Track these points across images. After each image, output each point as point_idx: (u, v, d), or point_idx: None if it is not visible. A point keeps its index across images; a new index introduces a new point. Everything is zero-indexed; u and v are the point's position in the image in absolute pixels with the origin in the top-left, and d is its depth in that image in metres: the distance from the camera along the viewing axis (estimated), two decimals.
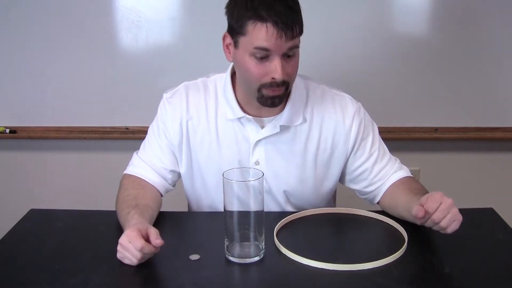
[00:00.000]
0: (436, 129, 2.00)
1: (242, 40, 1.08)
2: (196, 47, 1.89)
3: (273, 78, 1.07)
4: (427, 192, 1.13)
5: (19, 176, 2.13)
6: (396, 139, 1.96)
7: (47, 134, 2.02)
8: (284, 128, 1.20)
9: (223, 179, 0.96)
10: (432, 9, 1.89)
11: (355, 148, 1.24)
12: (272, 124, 1.20)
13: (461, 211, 1.23)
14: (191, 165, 1.26)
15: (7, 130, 2.01)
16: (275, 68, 1.06)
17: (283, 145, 1.22)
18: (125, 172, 1.28)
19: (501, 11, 1.85)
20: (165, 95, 1.26)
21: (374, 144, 1.25)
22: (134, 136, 1.98)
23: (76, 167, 2.12)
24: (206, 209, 1.31)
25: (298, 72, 1.16)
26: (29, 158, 2.10)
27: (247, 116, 1.19)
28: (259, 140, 1.21)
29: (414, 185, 1.21)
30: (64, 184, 2.13)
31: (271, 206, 1.26)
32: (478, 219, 1.19)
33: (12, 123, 2.02)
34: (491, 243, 1.07)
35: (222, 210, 0.98)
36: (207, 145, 1.23)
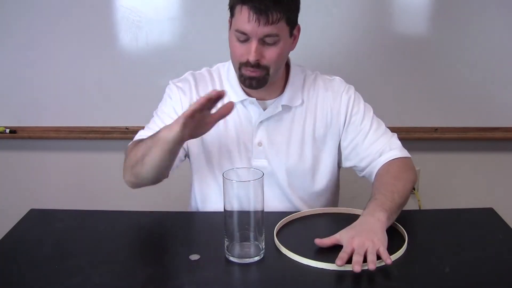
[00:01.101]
0: (436, 129, 2.00)
1: (232, 21, 1.17)
2: (196, 47, 1.89)
3: (247, 59, 1.14)
4: (392, 184, 1.16)
5: (19, 176, 2.13)
6: None
7: (47, 134, 2.02)
8: (285, 109, 1.26)
9: (223, 179, 0.96)
10: (432, 9, 1.89)
11: (346, 124, 1.29)
12: (274, 104, 1.26)
13: (461, 211, 1.24)
14: (199, 147, 1.29)
15: (7, 130, 2.01)
16: (249, 50, 1.13)
17: (283, 125, 1.27)
18: (132, 142, 1.27)
19: (501, 11, 1.85)
20: (171, 81, 1.32)
21: (364, 119, 1.29)
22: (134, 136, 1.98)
23: (76, 167, 2.12)
24: (213, 193, 1.32)
25: (296, 63, 1.24)
26: (29, 158, 2.10)
27: (250, 98, 1.25)
28: (261, 122, 1.26)
29: (385, 177, 1.21)
30: (64, 184, 2.13)
31: (274, 189, 1.29)
32: (478, 219, 1.19)
33: (12, 123, 2.02)
34: (491, 243, 1.07)
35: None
36: (214, 128, 1.25)
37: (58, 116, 2.00)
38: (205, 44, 1.86)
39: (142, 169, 1.14)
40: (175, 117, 1.24)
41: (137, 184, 1.21)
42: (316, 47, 1.89)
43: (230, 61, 1.26)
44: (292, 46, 1.22)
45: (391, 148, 1.26)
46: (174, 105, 1.28)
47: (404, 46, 1.90)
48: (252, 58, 1.13)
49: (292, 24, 1.17)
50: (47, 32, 1.90)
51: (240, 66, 1.17)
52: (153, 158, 1.11)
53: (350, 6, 1.87)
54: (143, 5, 1.87)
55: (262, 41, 1.13)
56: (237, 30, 1.13)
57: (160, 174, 1.17)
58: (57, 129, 2.02)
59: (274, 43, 1.14)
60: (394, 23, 1.91)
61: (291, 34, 1.18)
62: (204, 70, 1.33)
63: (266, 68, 1.16)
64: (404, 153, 1.27)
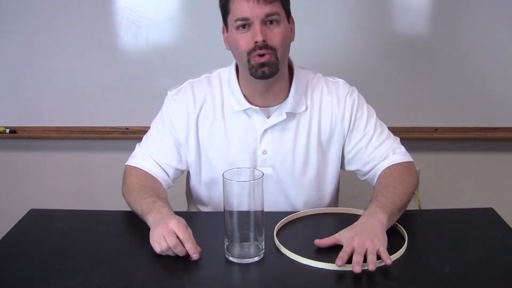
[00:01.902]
0: (436, 129, 2.00)
1: (228, 19, 1.17)
2: (196, 47, 1.89)
3: (255, 42, 1.12)
4: (394, 187, 1.16)
5: (19, 176, 2.13)
6: None
7: (47, 134, 2.02)
8: (289, 116, 1.24)
9: (223, 179, 0.96)
10: (433, 9, 1.89)
11: (350, 128, 1.27)
12: (278, 112, 1.24)
13: (461, 211, 1.24)
14: (199, 159, 1.28)
15: (7, 130, 2.01)
16: (255, 33, 1.12)
17: (288, 132, 1.25)
18: (129, 163, 1.29)
19: (501, 11, 1.85)
20: (170, 93, 1.29)
21: (368, 123, 1.28)
22: (134, 136, 1.98)
23: (76, 167, 2.12)
24: (214, 203, 1.32)
25: (298, 64, 1.24)
26: (29, 158, 2.10)
27: (253, 107, 1.23)
28: (266, 130, 1.24)
29: (388, 180, 1.21)
30: (64, 184, 2.13)
31: (279, 196, 1.28)
32: (478, 219, 1.19)
33: (12, 123, 2.02)
34: (491, 243, 1.07)
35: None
36: (216, 138, 1.26)
37: (58, 116, 2.01)
38: (205, 44, 1.86)
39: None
40: (170, 144, 1.27)
41: None
42: (316, 47, 1.89)
43: (232, 67, 1.26)
44: (291, 36, 1.22)
45: (395, 153, 1.26)
46: (170, 128, 1.27)
47: (404, 46, 1.90)
48: (259, 37, 1.11)
49: (287, 11, 1.18)
50: (47, 32, 1.90)
51: (249, 57, 1.14)
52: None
53: (351, 6, 1.87)
54: (143, 5, 1.87)
55: (264, 23, 1.13)
56: (237, 20, 1.13)
57: None
58: (57, 129, 2.02)
59: (276, 23, 1.14)
60: (395, 23, 1.91)
61: (288, 21, 1.19)
62: (203, 77, 1.29)
63: (274, 50, 1.14)
64: (407, 157, 1.27)
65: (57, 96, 1.98)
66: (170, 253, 0.99)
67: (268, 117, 1.24)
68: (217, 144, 1.26)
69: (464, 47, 1.90)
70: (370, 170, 1.28)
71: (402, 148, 1.29)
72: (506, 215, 1.18)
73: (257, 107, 1.22)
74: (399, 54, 1.91)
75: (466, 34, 1.88)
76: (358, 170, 1.31)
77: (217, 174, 1.27)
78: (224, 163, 1.24)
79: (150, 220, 1.07)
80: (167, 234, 0.98)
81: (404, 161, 1.26)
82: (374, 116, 1.29)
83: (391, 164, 1.25)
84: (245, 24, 1.13)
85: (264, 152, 1.25)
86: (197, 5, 1.87)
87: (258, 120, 1.24)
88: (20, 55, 1.94)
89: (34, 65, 1.94)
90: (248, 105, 1.23)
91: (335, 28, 1.89)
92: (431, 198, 2.07)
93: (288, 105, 1.23)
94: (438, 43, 1.90)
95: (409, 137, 1.96)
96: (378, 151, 1.26)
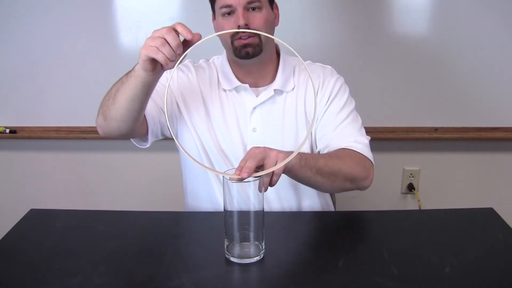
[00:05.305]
0: (436, 129, 2.00)
1: (215, 8, 1.24)
2: (195, 47, 1.88)
3: (238, 26, 1.19)
4: (327, 155, 1.20)
5: (19, 176, 2.13)
6: (396, 139, 1.96)
7: (47, 134, 2.02)
8: (277, 93, 1.29)
9: (223, 179, 0.96)
10: (432, 9, 1.89)
11: (327, 104, 1.30)
12: (267, 91, 1.30)
13: (461, 211, 1.24)
14: (194, 133, 1.30)
15: (7, 130, 2.01)
16: (238, 17, 1.19)
17: (276, 111, 1.30)
18: None
19: (500, 11, 1.85)
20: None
21: (342, 111, 1.29)
22: None
23: (76, 167, 2.12)
24: (202, 181, 1.33)
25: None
26: (29, 158, 2.10)
27: (243, 85, 1.28)
28: (255, 107, 1.28)
29: (332, 152, 1.22)
30: (64, 184, 2.13)
31: (269, 174, 1.27)
32: (478, 219, 1.19)
33: (12, 123, 2.02)
34: (491, 243, 1.07)
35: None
36: (204, 115, 1.29)
37: (58, 116, 2.01)
38: (205, 44, 1.85)
39: (113, 106, 1.10)
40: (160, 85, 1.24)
41: (106, 127, 1.17)
42: (315, 46, 1.89)
43: (223, 53, 1.32)
44: (275, 21, 1.28)
45: (356, 142, 1.24)
46: (167, 76, 1.24)
47: (404, 46, 1.91)
48: (241, 22, 1.18)
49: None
50: (47, 32, 1.90)
51: (232, 39, 1.21)
52: (125, 93, 1.07)
53: (350, 6, 1.87)
54: (143, 5, 1.87)
55: (247, 9, 1.19)
56: (221, 7, 1.20)
57: (129, 118, 1.11)
58: (57, 129, 2.02)
59: (258, 9, 1.20)
60: (394, 22, 1.91)
61: (271, 7, 1.25)
62: (201, 61, 1.38)
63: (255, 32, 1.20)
64: (364, 151, 1.24)
65: (57, 96, 1.98)
66: (160, 57, 0.97)
67: (257, 96, 1.29)
68: (209, 123, 1.29)
69: (464, 47, 1.90)
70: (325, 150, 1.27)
71: (366, 142, 1.26)
72: (506, 215, 1.18)
73: (247, 85, 1.28)
74: (399, 53, 1.91)
75: (466, 34, 1.88)
76: (318, 152, 1.30)
77: (209, 156, 1.29)
78: (215, 142, 1.28)
79: (136, 67, 1.03)
80: (155, 32, 0.97)
81: (360, 151, 1.23)
82: (351, 108, 1.31)
83: (346, 147, 1.23)
84: (230, 11, 1.20)
85: (254, 130, 1.29)
86: (197, 5, 1.87)
87: (248, 98, 1.29)
88: (20, 55, 1.94)
89: (34, 65, 1.94)
90: (238, 83, 1.29)
91: (334, 27, 1.89)
92: (431, 198, 2.07)
93: (276, 83, 1.29)
94: (438, 43, 1.90)
95: (409, 137, 1.96)
96: (340, 138, 1.25)
